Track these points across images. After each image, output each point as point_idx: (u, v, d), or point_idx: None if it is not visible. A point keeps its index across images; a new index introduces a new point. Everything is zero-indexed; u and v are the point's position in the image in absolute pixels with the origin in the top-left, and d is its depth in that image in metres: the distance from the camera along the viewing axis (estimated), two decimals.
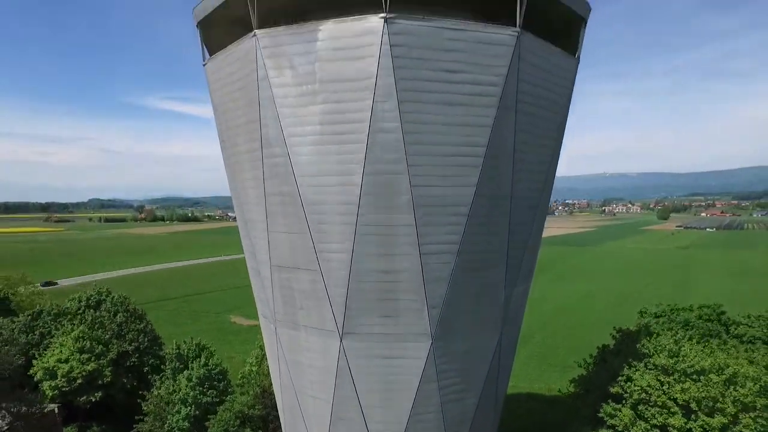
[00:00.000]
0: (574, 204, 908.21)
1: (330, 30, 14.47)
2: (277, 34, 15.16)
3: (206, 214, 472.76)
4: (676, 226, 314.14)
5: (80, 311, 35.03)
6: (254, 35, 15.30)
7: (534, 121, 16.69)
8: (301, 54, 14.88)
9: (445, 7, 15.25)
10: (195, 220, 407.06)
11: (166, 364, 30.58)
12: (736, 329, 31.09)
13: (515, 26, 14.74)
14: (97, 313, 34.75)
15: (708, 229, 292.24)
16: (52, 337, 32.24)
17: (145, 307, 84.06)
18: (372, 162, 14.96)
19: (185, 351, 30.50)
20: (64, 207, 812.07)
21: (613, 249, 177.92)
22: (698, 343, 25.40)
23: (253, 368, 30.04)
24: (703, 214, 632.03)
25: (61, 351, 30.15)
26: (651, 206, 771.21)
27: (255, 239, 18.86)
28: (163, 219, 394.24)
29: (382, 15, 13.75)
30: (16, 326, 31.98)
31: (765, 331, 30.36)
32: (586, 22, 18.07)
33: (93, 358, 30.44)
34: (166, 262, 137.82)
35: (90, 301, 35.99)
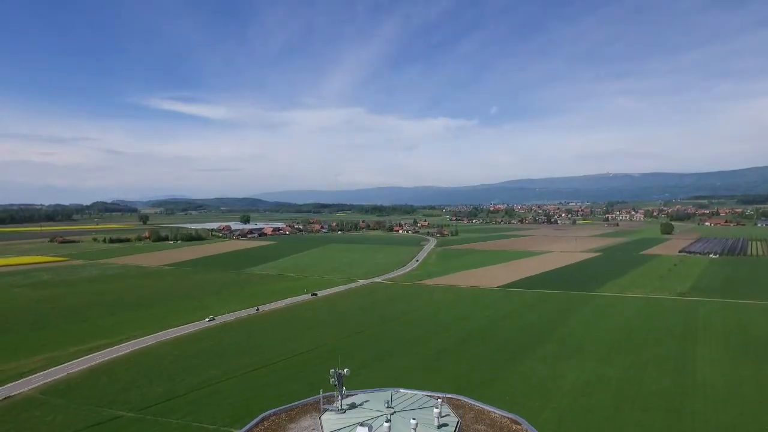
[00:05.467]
0: (577, 211, 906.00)
1: None
2: None
3: (210, 231, 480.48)
4: (679, 251, 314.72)
5: None
6: None
7: None
8: None
9: None
10: (199, 238, 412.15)
11: None
12: None
13: None
14: None
15: (711, 255, 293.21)
16: None
17: (148, 414, 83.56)
18: None
19: None
20: (68, 215, 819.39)
21: (611, 298, 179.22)
22: None
23: None
24: (707, 223, 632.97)
25: None
26: (654, 213, 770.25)
27: None
28: (167, 238, 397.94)
29: None
30: None
31: None
32: None
33: None
34: (170, 327, 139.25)
35: None
